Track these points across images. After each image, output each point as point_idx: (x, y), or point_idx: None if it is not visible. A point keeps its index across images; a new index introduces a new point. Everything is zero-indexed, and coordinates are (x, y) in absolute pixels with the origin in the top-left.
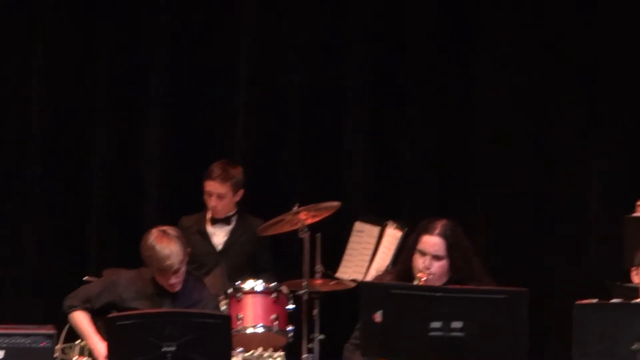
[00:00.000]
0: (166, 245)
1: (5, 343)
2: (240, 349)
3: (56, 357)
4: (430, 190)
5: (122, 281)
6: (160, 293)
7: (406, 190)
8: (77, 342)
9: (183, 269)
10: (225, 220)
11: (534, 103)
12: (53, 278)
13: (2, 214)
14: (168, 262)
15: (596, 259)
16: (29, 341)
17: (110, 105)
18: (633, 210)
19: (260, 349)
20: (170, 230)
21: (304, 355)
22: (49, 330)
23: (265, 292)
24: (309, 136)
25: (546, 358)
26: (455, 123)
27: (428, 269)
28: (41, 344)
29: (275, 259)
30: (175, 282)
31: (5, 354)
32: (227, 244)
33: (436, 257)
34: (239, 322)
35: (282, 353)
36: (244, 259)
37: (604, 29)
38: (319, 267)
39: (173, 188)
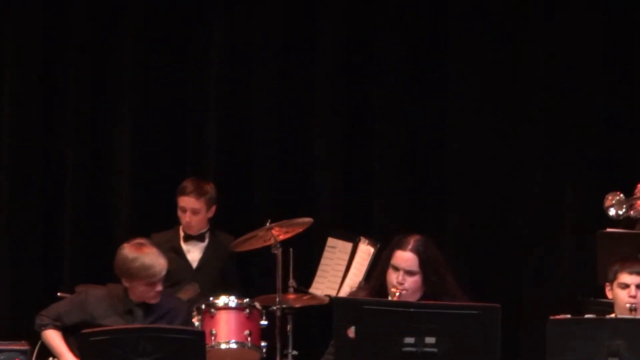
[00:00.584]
0: (148, 253)
1: None
2: None
3: None
4: (402, 206)
5: (91, 299)
6: (132, 309)
7: (378, 205)
8: (49, 359)
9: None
10: (199, 237)
11: (505, 118)
12: (26, 294)
13: None
14: (156, 269)
15: (569, 274)
16: (3, 357)
17: (81, 122)
18: (606, 225)
19: None
20: (143, 240)
21: None
22: (23, 346)
23: (239, 307)
24: (280, 152)
25: None
26: (426, 137)
27: (401, 284)
28: None
29: (248, 274)
30: (160, 290)
31: None
32: (202, 261)
33: (409, 273)
34: (212, 338)
35: None
36: (218, 275)
37: (572, 46)
38: (291, 283)
39: (144, 205)
